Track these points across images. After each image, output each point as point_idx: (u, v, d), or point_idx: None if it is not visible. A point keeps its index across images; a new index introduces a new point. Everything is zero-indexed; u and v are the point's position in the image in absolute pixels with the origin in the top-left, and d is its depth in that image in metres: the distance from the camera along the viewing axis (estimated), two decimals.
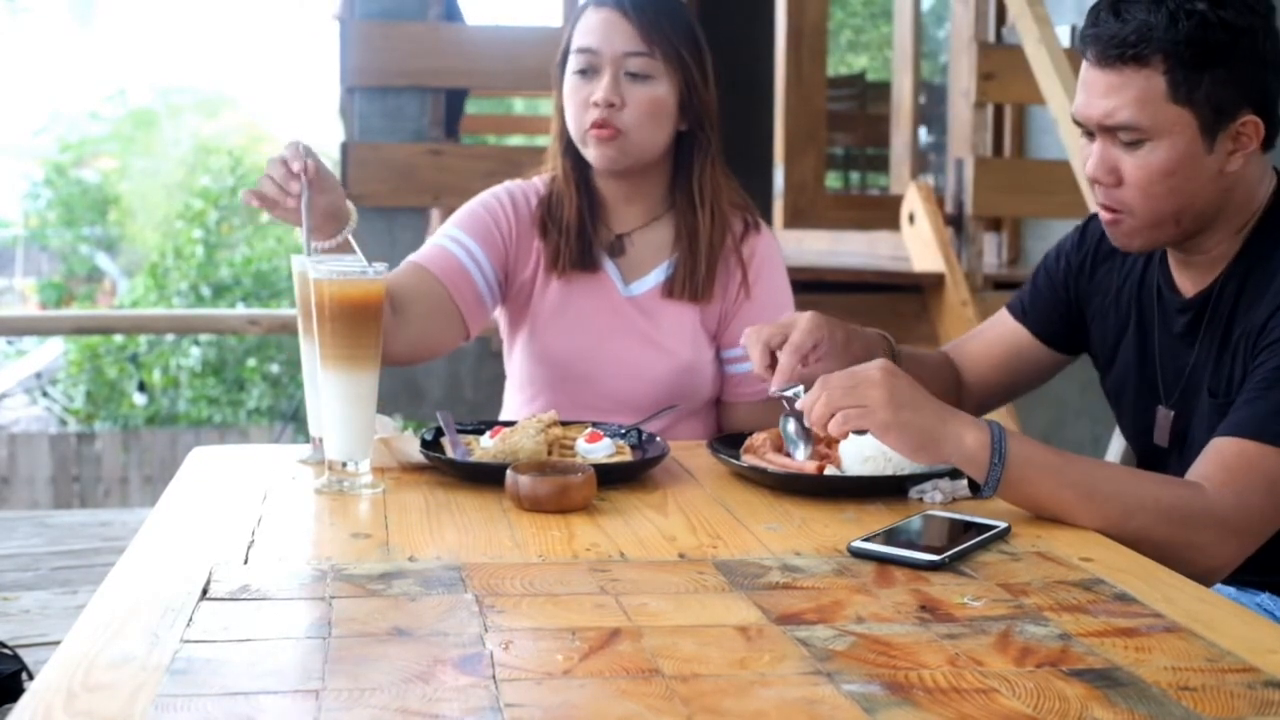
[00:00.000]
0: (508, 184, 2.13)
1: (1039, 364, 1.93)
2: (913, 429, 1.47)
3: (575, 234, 2.06)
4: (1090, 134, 1.62)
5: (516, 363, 2.12)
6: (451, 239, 2.05)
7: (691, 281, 2.05)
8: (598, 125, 1.98)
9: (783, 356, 1.66)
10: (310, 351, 1.68)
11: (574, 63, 2.01)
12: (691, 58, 2.02)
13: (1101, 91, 1.57)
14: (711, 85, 2.06)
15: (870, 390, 1.47)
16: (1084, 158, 1.64)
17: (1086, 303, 1.84)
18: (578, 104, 2.01)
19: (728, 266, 2.08)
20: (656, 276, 2.08)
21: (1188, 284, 1.69)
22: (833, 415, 1.48)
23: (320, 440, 1.67)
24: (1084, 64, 1.60)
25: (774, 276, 2.11)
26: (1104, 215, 1.65)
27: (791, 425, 1.64)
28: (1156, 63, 1.53)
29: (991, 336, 1.96)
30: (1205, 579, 1.43)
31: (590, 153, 2.01)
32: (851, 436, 1.59)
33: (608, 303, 2.07)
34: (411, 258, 2.05)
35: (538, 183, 2.13)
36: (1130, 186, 1.59)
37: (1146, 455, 1.78)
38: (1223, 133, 1.56)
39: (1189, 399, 1.68)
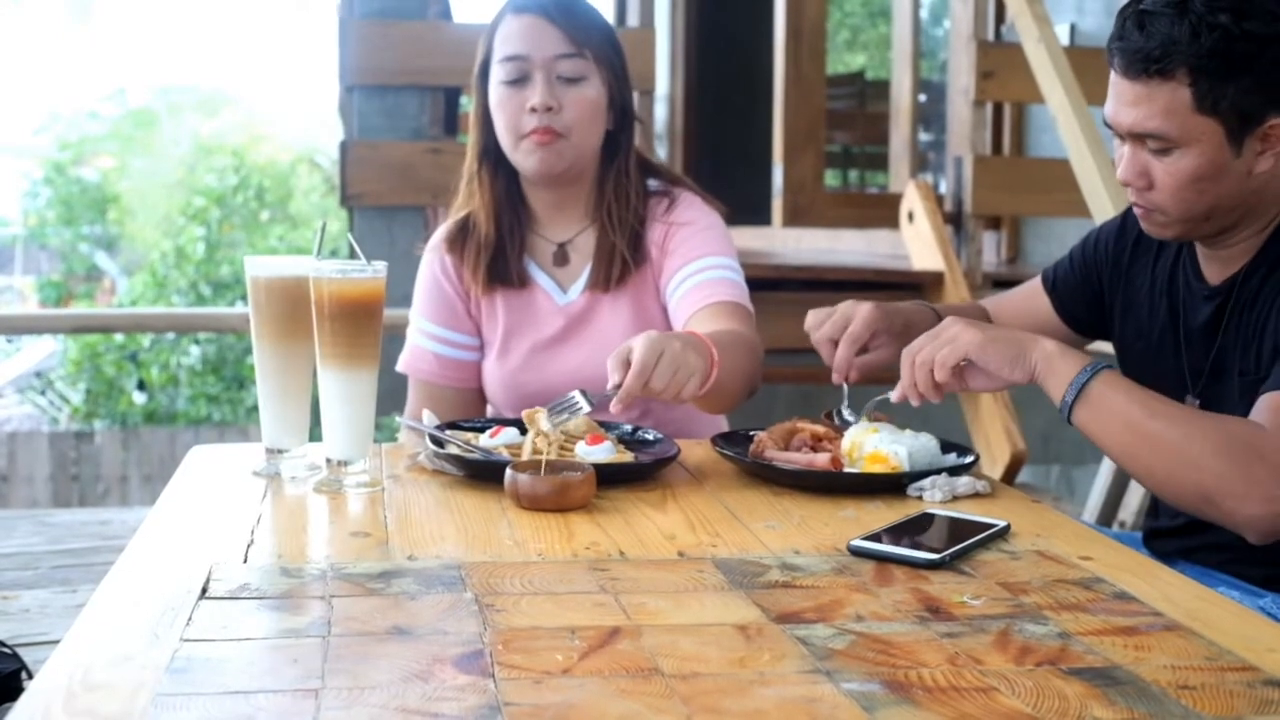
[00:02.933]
0: (436, 239, 2.15)
1: (1055, 337, 1.95)
2: (1003, 340, 1.57)
3: (494, 248, 2.07)
4: (1121, 137, 1.64)
5: (485, 385, 2.16)
6: (423, 334, 2.14)
7: (608, 270, 2.05)
8: (538, 130, 1.97)
9: (840, 347, 1.75)
10: (265, 354, 1.69)
11: (502, 72, 1.99)
12: (616, 56, 2.04)
13: (1129, 101, 1.59)
14: (631, 82, 2.08)
15: (948, 329, 1.59)
16: (1117, 159, 1.67)
17: (1116, 292, 1.86)
18: (511, 112, 1.99)
19: (655, 237, 2.07)
20: (589, 277, 2.08)
21: (1213, 273, 1.71)
22: (930, 371, 1.58)
23: (276, 451, 1.69)
24: (1112, 72, 1.62)
25: (698, 221, 2.07)
26: (1138, 212, 1.69)
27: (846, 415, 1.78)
28: (1181, 75, 1.54)
29: (1021, 301, 2.00)
30: (1256, 528, 1.45)
31: (529, 159, 2.00)
32: (878, 433, 1.66)
33: (543, 315, 2.09)
34: (404, 368, 2.16)
35: (460, 218, 2.14)
36: (1161, 190, 1.62)
37: None
38: (1249, 137, 1.57)
39: (1215, 385, 1.69)
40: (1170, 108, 1.56)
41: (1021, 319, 1.97)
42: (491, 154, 2.07)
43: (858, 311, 1.76)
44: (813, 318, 1.79)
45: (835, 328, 1.76)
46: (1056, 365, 1.55)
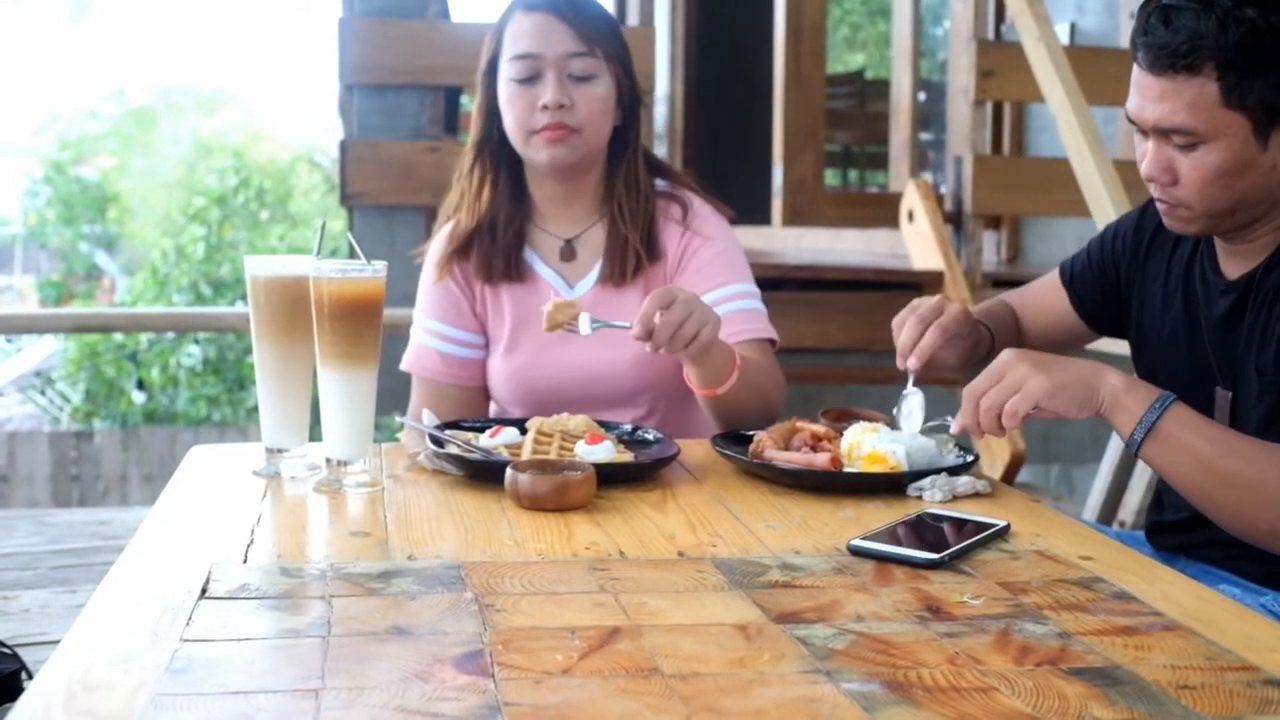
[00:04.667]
0: (439, 243, 2.14)
1: (1072, 333, 1.97)
2: (1071, 385, 1.54)
3: (489, 240, 2.07)
4: (1144, 133, 1.63)
5: (490, 382, 2.15)
6: (427, 332, 2.13)
7: (622, 264, 2.06)
8: (550, 127, 1.98)
9: (929, 333, 1.73)
10: (265, 354, 1.69)
11: (513, 70, 2.01)
12: (623, 52, 2.06)
13: (1155, 96, 1.58)
14: (636, 77, 2.10)
15: (1013, 371, 1.55)
16: (1140, 154, 1.65)
17: (1133, 286, 1.85)
18: (522, 109, 2.00)
19: (671, 239, 2.09)
20: (599, 272, 2.09)
21: (1232, 268, 1.70)
22: (998, 415, 1.54)
23: (276, 451, 1.69)
24: (1135, 66, 1.61)
25: (718, 240, 2.10)
26: (1161, 208, 1.67)
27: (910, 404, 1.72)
28: (1209, 70, 1.53)
29: (1040, 299, 2.00)
30: None
31: (541, 155, 2.01)
32: (879, 434, 1.65)
33: None
34: (408, 367, 2.15)
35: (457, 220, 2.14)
36: (1186, 185, 1.61)
37: None
38: (1276, 130, 1.56)
39: (1241, 379, 1.69)
40: (1197, 102, 1.54)
41: (1043, 316, 1.97)
42: (492, 148, 2.08)
43: (948, 307, 1.75)
44: (905, 311, 1.78)
45: (932, 311, 1.74)
46: (1124, 401, 1.53)
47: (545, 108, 1.98)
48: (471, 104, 2.16)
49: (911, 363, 1.72)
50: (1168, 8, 1.56)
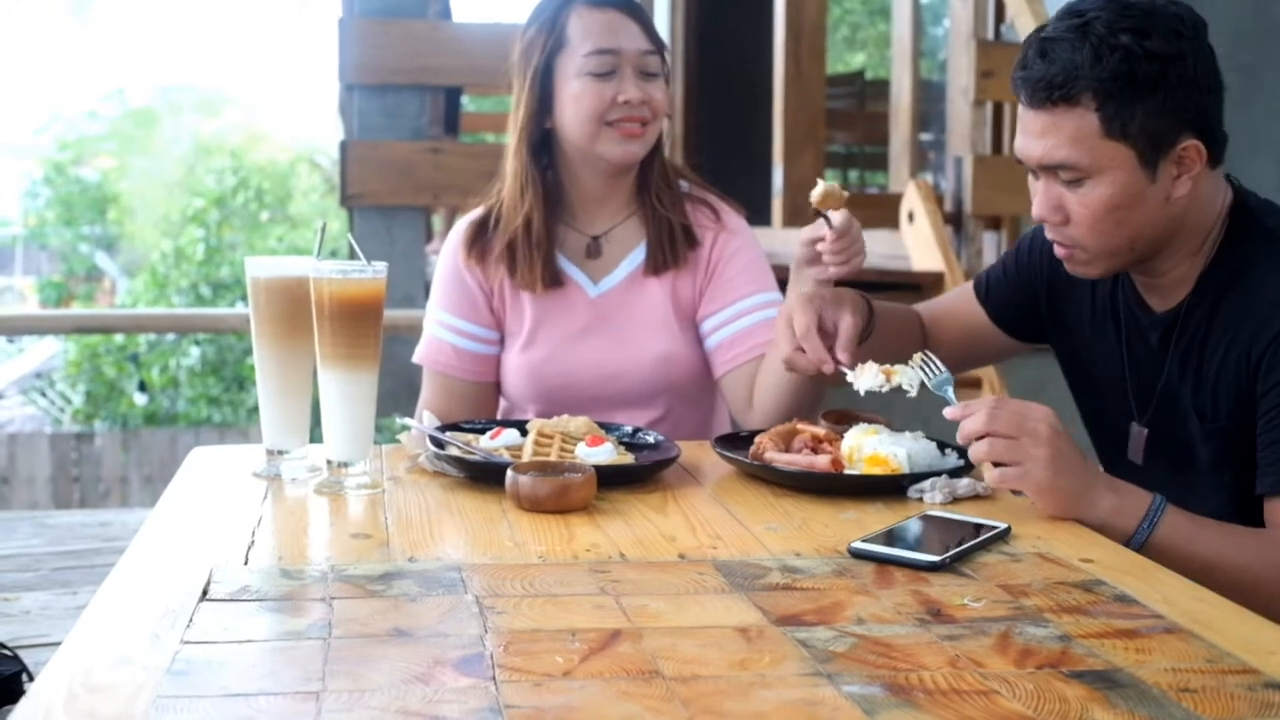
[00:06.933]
0: (460, 235, 2.14)
1: (994, 345, 1.94)
2: (1061, 495, 1.47)
3: (545, 251, 2.07)
4: (1034, 172, 1.61)
5: (504, 378, 2.15)
6: (441, 326, 2.13)
7: (672, 247, 2.08)
8: (629, 120, 2.01)
9: (805, 345, 1.71)
10: (265, 355, 1.69)
11: (590, 64, 2.01)
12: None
13: (1037, 132, 1.55)
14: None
15: (1035, 450, 1.46)
16: (1032, 195, 1.62)
17: (1056, 299, 1.82)
18: (597, 102, 2.01)
19: (708, 231, 2.11)
20: (626, 268, 2.10)
21: (1155, 301, 1.68)
22: (991, 453, 1.48)
23: (276, 453, 1.69)
24: (1020, 105, 1.58)
25: (750, 247, 2.14)
26: (1060, 252, 1.64)
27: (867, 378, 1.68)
28: (1086, 101, 1.51)
29: (952, 309, 1.97)
30: None
31: (614, 149, 2.03)
32: (874, 438, 1.64)
33: (574, 308, 2.09)
34: (420, 360, 2.15)
35: (480, 213, 2.13)
36: (1077, 224, 1.58)
37: (1117, 472, 1.69)
38: (1164, 160, 1.54)
39: (1164, 417, 1.67)
40: (1078, 135, 1.52)
41: (957, 329, 1.94)
42: (537, 147, 2.07)
43: (791, 311, 1.74)
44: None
45: (788, 341, 1.73)
46: (1114, 522, 1.47)
47: (627, 103, 2.01)
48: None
49: (827, 370, 1.70)
50: (1044, 40, 1.54)
